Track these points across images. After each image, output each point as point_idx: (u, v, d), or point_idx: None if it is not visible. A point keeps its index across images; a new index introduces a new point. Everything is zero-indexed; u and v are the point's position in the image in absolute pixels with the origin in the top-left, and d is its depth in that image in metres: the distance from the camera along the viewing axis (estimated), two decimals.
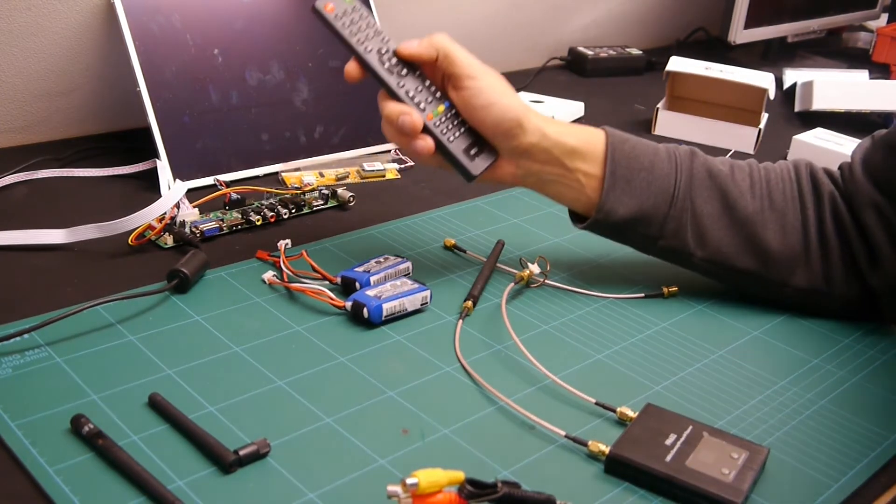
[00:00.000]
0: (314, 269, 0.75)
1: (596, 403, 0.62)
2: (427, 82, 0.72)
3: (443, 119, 0.71)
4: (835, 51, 1.85)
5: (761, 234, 0.73)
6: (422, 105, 0.70)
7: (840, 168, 0.77)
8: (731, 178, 0.73)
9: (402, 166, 1.02)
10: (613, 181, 0.71)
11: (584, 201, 0.73)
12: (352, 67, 0.71)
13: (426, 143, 0.70)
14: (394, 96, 0.70)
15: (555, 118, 1.19)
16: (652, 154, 0.73)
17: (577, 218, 0.76)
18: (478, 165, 0.72)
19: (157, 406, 0.57)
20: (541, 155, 0.72)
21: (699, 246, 0.73)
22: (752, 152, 1.19)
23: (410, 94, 0.70)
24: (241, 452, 0.53)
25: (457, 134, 0.71)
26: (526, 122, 0.71)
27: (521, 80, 1.42)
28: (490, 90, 0.70)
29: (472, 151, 0.71)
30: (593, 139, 0.73)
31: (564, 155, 0.72)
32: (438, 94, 0.72)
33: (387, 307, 0.69)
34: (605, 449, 0.56)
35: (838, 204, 0.74)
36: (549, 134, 0.71)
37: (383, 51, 0.71)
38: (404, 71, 0.71)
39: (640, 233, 0.73)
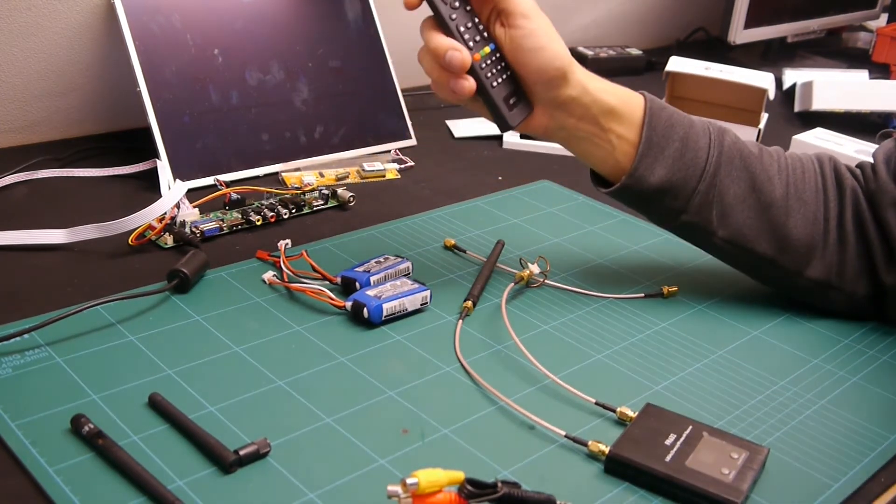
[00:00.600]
0: (314, 269, 0.75)
1: (596, 403, 0.62)
2: (476, 19, 0.68)
3: (488, 62, 0.68)
4: (835, 51, 1.85)
5: (784, 220, 0.72)
6: (470, 43, 0.67)
7: (861, 167, 0.77)
8: (760, 160, 0.73)
9: (402, 166, 1.02)
10: (648, 147, 0.70)
11: (611, 163, 0.72)
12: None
13: (469, 83, 0.67)
14: (443, 27, 0.67)
15: None
16: (687, 126, 0.72)
17: (601, 182, 0.75)
18: (515, 116, 0.69)
19: (157, 406, 0.57)
20: (578, 110, 0.70)
21: (721, 225, 0.72)
22: None
23: (461, 30, 0.67)
24: (241, 452, 0.53)
25: (500, 80, 0.68)
26: (570, 73, 0.68)
27: None
28: (541, 33, 0.68)
29: (511, 101, 0.69)
30: (632, 102, 0.71)
31: (602, 114, 0.70)
32: (486, 34, 0.68)
33: (387, 307, 0.69)
34: (605, 449, 0.56)
35: (860, 200, 0.74)
36: (591, 90, 0.69)
37: None
38: (456, 2, 0.67)
39: (666, 204, 0.72)
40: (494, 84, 0.68)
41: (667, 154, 0.71)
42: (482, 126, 1.18)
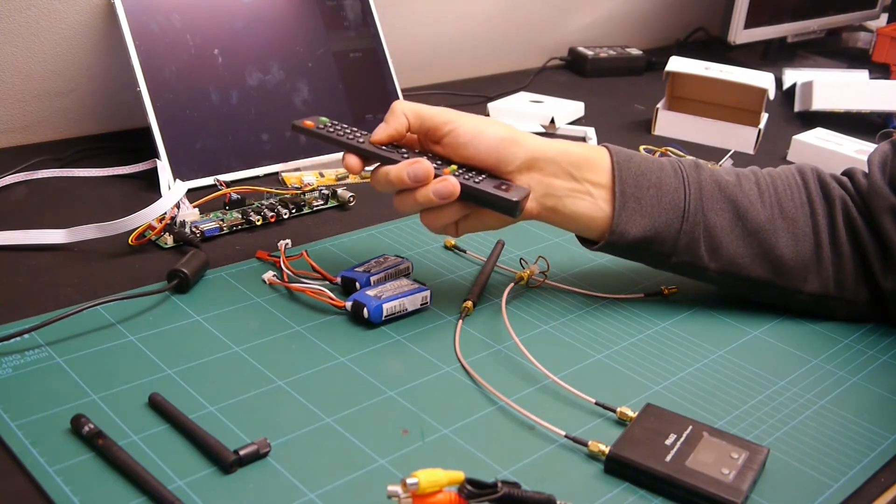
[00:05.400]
0: (314, 269, 0.75)
1: (596, 403, 0.62)
2: (426, 155, 0.70)
3: (460, 171, 0.68)
4: (835, 51, 1.85)
5: (773, 242, 0.72)
6: (434, 165, 0.67)
7: (849, 174, 0.77)
8: (739, 187, 0.73)
9: None
10: (624, 201, 0.70)
11: (600, 216, 0.71)
12: (352, 160, 0.69)
13: (447, 182, 0.66)
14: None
15: (555, 119, 1.20)
16: (658, 170, 0.72)
17: (587, 240, 0.75)
18: (515, 194, 0.67)
19: (157, 406, 0.57)
20: (548, 166, 0.70)
21: (713, 259, 0.72)
22: (752, 152, 1.19)
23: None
24: (241, 452, 0.53)
25: (479, 178, 0.68)
26: (520, 136, 0.70)
27: (521, 80, 1.42)
28: (471, 124, 0.69)
29: (503, 188, 0.67)
30: (597, 152, 0.72)
31: (571, 165, 0.70)
32: (441, 161, 0.69)
33: (387, 307, 0.69)
34: (605, 449, 0.56)
35: (850, 208, 0.74)
36: (550, 145, 0.70)
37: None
38: (403, 150, 0.70)
39: (654, 251, 0.72)
40: (478, 180, 0.68)
41: (644, 203, 0.71)
42: None
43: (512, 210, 0.67)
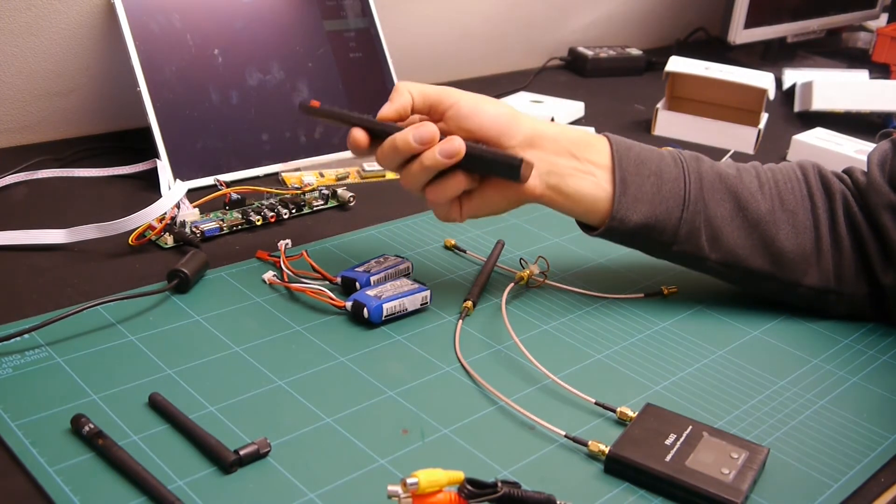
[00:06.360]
0: (314, 269, 0.75)
1: (596, 403, 0.62)
2: None
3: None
4: (835, 51, 1.85)
5: (774, 234, 0.72)
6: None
7: (848, 172, 0.77)
8: (740, 179, 0.73)
9: None
10: (624, 187, 0.70)
11: (602, 196, 0.71)
12: (358, 135, 0.69)
13: (452, 140, 0.66)
14: None
15: (555, 119, 1.20)
16: (658, 159, 0.72)
17: (588, 227, 0.75)
18: (518, 157, 0.66)
19: (157, 406, 0.57)
20: (549, 144, 0.70)
21: (714, 248, 0.72)
22: (751, 152, 1.19)
23: None
24: (242, 452, 0.53)
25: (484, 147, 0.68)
26: (518, 113, 0.70)
27: (521, 80, 1.42)
28: (471, 100, 0.69)
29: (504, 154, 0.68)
30: (597, 138, 0.73)
31: (572, 144, 0.70)
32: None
33: (387, 307, 0.69)
34: (605, 449, 0.56)
35: (850, 203, 0.74)
36: (550, 125, 0.71)
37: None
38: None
39: (655, 239, 0.72)
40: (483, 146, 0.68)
41: (644, 190, 0.71)
42: None
43: (515, 171, 0.66)
